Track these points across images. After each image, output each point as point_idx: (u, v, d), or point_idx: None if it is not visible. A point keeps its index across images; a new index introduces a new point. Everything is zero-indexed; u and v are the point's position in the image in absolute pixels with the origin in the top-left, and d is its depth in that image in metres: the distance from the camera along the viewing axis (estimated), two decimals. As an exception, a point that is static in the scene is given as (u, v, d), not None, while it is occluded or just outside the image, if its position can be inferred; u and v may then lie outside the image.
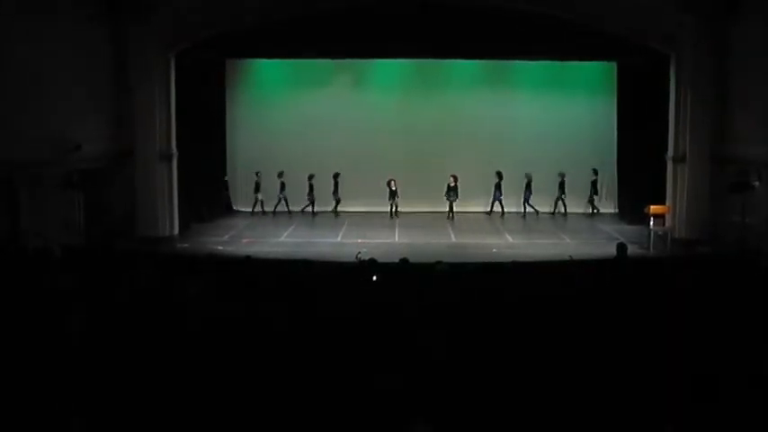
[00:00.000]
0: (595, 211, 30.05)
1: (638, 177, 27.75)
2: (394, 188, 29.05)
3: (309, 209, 29.65)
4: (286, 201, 29.61)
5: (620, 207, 30.01)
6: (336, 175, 29.43)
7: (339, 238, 25.36)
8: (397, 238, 25.55)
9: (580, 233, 26.32)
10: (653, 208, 23.72)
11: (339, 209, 29.66)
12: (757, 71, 22.85)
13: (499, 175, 29.32)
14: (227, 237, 25.46)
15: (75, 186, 21.79)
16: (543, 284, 12.53)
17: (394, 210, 29.17)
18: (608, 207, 30.50)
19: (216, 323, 9.30)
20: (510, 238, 25.43)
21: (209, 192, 28.72)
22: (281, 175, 29.43)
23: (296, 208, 29.63)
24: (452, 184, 28.91)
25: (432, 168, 29.23)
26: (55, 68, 21.48)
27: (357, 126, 30.27)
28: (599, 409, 7.55)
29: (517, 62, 29.18)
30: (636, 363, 8.57)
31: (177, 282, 11.90)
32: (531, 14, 24.61)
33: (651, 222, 23.53)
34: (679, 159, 24.85)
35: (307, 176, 29.45)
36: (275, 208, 29.70)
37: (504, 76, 30.29)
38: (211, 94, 28.87)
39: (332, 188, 29.54)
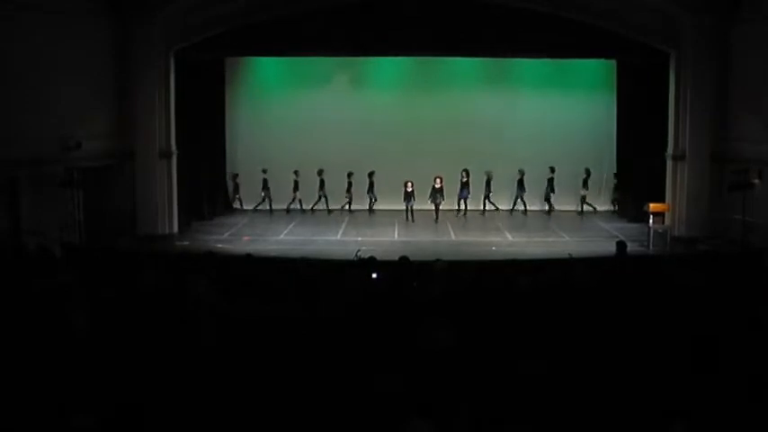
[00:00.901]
0: (593, 209, 29.98)
1: (637, 175, 27.72)
2: (410, 189, 28.37)
3: (347, 206, 29.78)
4: (326, 198, 29.62)
5: (619, 205, 29.96)
6: (371, 174, 29.27)
7: (339, 236, 25.34)
8: (396, 237, 25.52)
9: (580, 231, 26.30)
10: (652, 206, 23.66)
11: (348, 207, 29.80)
12: (757, 69, 22.85)
13: (466, 173, 29.21)
14: (227, 234, 25.45)
15: (75, 185, 21.76)
16: (543, 282, 12.51)
17: (410, 211, 28.33)
18: (607, 205, 30.44)
19: (219, 321, 9.29)
20: (510, 237, 25.40)
21: (208, 189, 28.66)
22: (320, 172, 29.31)
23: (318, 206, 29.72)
24: (438, 186, 28.32)
25: (431, 166, 28.93)
26: (55, 67, 21.51)
27: (357, 124, 30.17)
28: (602, 407, 7.54)
29: (517, 60, 29.13)
30: (637, 360, 8.56)
31: (182, 280, 11.89)
32: (532, 12, 24.58)
33: (651, 220, 23.49)
34: (679, 157, 24.83)
35: (346, 174, 29.43)
36: (327, 206, 29.62)
37: (505, 74, 30.24)
38: (211, 92, 28.80)
39: (366, 187, 29.47)
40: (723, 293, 11.86)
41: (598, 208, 30.02)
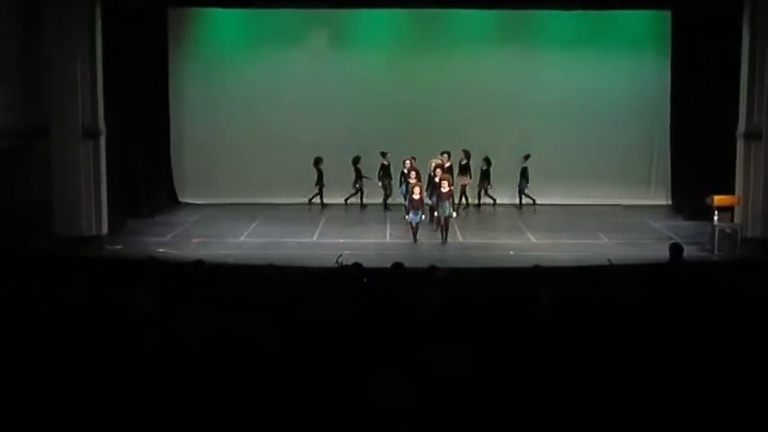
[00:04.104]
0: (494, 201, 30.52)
1: (698, 159, 27.80)
2: (418, 197, 25.23)
3: (357, 199, 30.15)
4: (362, 191, 30.06)
5: (674, 197, 30.05)
6: (357, 160, 29.58)
7: (315, 238, 25.48)
8: (388, 237, 25.71)
9: (622, 231, 26.40)
10: (718, 199, 23.67)
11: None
12: None
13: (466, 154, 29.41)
14: (171, 236, 25.53)
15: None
16: (574, 296, 12.60)
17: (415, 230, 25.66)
18: (659, 197, 30.59)
19: (164, 342, 9.39)
20: (532, 238, 25.55)
21: (148, 178, 28.58)
22: (356, 161, 29.61)
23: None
24: (446, 190, 25.13)
25: (431, 147, 28.64)
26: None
27: (336, 94, 30.31)
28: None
29: (541, 12, 29.22)
30: (697, 393, 8.63)
31: (119, 292, 11.98)
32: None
33: (716, 217, 23.52)
34: (753, 136, 24.80)
35: (351, 159, 29.60)
36: (362, 200, 30.12)
37: (526, 31, 30.35)
38: (151, 53, 28.70)
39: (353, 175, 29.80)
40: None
41: (648, 202, 30.24)
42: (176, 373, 8.79)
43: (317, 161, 29.47)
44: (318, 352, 9.29)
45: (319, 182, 29.76)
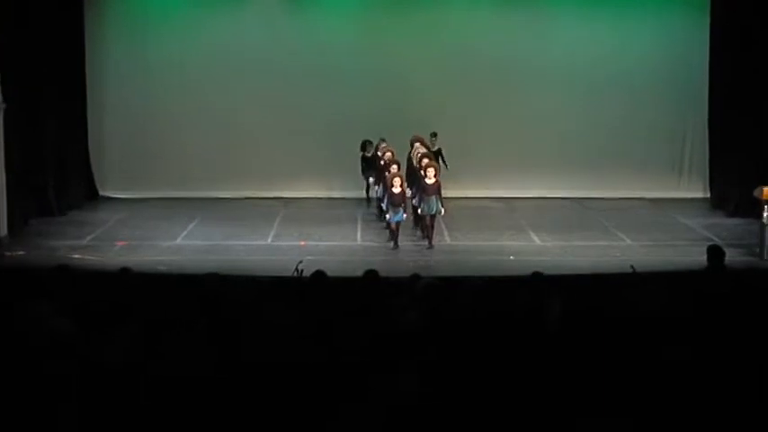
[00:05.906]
0: None
1: (742, 142, 27.88)
2: (398, 190, 24.63)
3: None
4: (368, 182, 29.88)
5: (712, 189, 30.15)
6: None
7: (269, 240, 25.53)
8: (359, 239, 25.81)
9: (648, 230, 26.59)
10: (767, 191, 23.78)
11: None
12: None
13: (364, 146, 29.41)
14: (89, 238, 25.47)
15: None
16: (590, 311, 12.60)
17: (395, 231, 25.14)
18: (693, 189, 30.65)
19: (82, 373, 9.34)
20: (537, 239, 25.64)
21: (59, 167, 28.43)
22: (365, 146, 29.45)
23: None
24: (431, 181, 24.50)
25: (410, 129, 28.67)
26: None
27: (294, 65, 30.34)
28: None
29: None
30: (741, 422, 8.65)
31: (18, 308, 11.92)
32: None
33: (765, 213, 23.58)
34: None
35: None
36: (368, 194, 29.86)
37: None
38: (62, 12, 28.63)
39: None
40: None
41: (680, 194, 30.31)
42: (96, 409, 8.75)
43: (365, 146, 29.40)
44: (269, 380, 9.27)
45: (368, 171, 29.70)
